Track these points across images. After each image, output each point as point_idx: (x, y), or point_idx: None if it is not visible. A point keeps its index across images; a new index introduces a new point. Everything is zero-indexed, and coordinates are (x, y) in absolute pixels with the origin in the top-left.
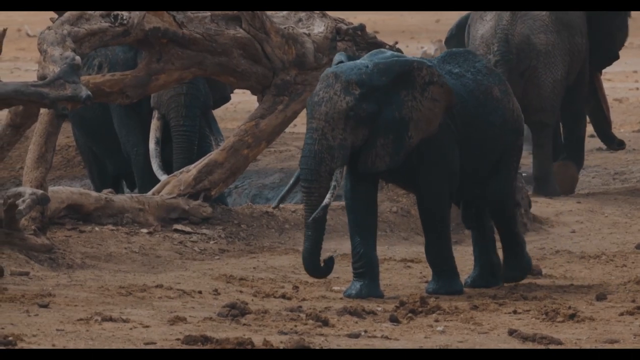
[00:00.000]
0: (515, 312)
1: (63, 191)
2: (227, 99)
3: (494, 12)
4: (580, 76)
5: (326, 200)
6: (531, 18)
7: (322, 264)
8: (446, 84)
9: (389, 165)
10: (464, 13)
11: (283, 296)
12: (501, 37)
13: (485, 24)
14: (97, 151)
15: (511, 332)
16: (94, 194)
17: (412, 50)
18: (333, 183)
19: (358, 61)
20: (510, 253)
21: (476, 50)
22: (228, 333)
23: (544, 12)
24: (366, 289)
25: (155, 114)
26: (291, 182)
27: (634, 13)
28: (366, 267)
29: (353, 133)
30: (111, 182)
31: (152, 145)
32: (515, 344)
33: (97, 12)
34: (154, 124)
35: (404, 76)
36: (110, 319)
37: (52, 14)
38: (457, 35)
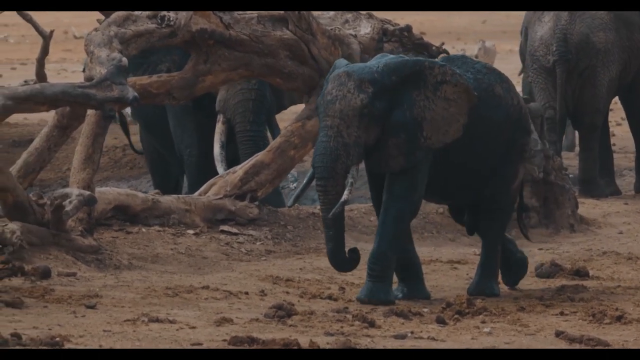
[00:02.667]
0: (562, 313)
1: (110, 192)
2: (283, 107)
3: (552, 13)
4: (639, 73)
5: (344, 197)
6: (590, 17)
7: (347, 257)
8: (461, 82)
9: (403, 166)
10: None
11: (329, 297)
12: (560, 37)
13: (543, 25)
14: (161, 149)
15: (558, 334)
16: (141, 195)
17: (456, 51)
18: (350, 180)
19: (369, 62)
20: (485, 266)
21: (535, 51)
22: (274, 334)
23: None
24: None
25: (221, 118)
26: (305, 181)
27: None
28: (408, 271)
29: (366, 131)
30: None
31: (217, 149)
32: (562, 346)
33: (144, 14)
34: (219, 128)
35: (415, 76)
36: (157, 320)
37: (99, 15)
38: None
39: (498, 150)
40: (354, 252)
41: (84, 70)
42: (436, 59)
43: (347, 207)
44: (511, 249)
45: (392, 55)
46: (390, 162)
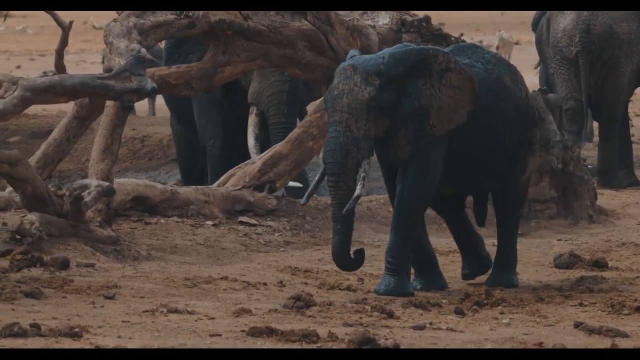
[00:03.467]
0: (581, 304)
1: (129, 183)
2: (314, 98)
3: None
4: None
5: (357, 192)
6: None
7: (352, 257)
8: (465, 70)
9: (410, 154)
10: None
11: (348, 288)
12: (583, 28)
13: (566, 17)
14: (191, 137)
15: (577, 325)
16: (160, 186)
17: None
18: (362, 174)
19: (374, 55)
20: (502, 259)
21: (558, 43)
22: (293, 325)
23: None
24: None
25: (254, 110)
26: (317, 178)
27: None
28: (422, 263)
29: (375, 124)
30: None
31: (251, 141)
32: (581, 337)
33: None
34: (253, 120)
35: (420, 65)
36: (176, 311)
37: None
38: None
39: (507, 142)
40: (360, 252)
41: (103, 62)
42: (449, 49)
43: (366, 199)
44: (479, 246)
45: (396, 46)
46: (400, 152)
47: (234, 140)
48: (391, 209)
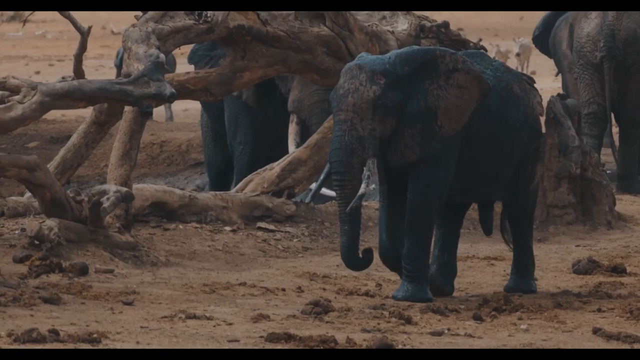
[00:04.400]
0: (599, 310)
1: (147, 189)
2: None
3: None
4: None
5: (362, 190)
6: (637, 12)
7: (360, 256)
8: (473, 69)
9: (419, 156)
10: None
11: (366, 294)
12: (607, 32)
13: (590, 22)
14: (221, 130)
15: (595, 331)
16: (178, 191)
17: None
18: (367, 172)
19: (380, 55)
20: (519, 264)
21: (582, 47)
22: (311, 331)
23: None
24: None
25: (294, 118)
26: (322, 177)
27: None
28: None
29: (381, 123)
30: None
31: (292, 149)
32: (599, 343)
33: (182, 10)
34: (293, 128)
35: (427, 65)
36: (194, 317)
37: (136, 12)
38: (544, 33)
39: (514, 150)
40: (368, 252)
41: (115, 65)
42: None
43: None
44: (452, 254)
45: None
46: (407, 152)
47: (264, 148)
48: None
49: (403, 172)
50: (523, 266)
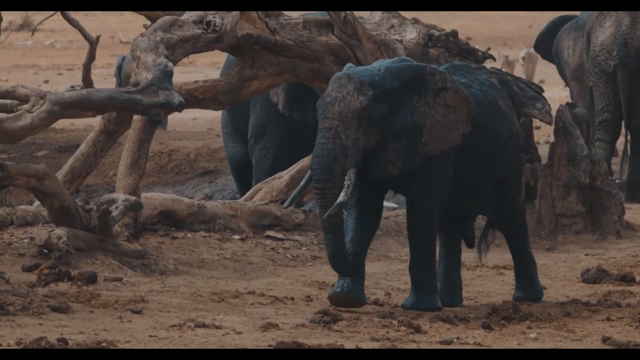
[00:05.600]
0: (608, 319)
1: (156, 197)
2: None
3: (613, 18)
4: None
5: (341, 198)
6: None
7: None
8: (461, 90)
9: (401, 170)
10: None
11: (375, 302)
12: (620, 42)
13: (604, 31)
14: (242, 129)
15: (604, 340)
16: (187, 200)
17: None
18: (347, 182)
19: (370, 65)
20: (522, 273)
21: (596, 56)
22: (320, 340)
23: None
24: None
25: None
26: (302, 183)
27: None
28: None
29: (365, 134)
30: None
31: None
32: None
33: (190, 19)
34: None
35: (416, 81)
36: (203, 325)
37: (145, 21)
38: (546, 40)
39: (498, 165)
40: (356, 255)
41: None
42: (444, 67)
43: (392, 212)
44: (455, 268)
45: (392, 59)
46: (388, 166)
47: (294, 154)
48: None
49: (379, 187)
50: (527, 274)
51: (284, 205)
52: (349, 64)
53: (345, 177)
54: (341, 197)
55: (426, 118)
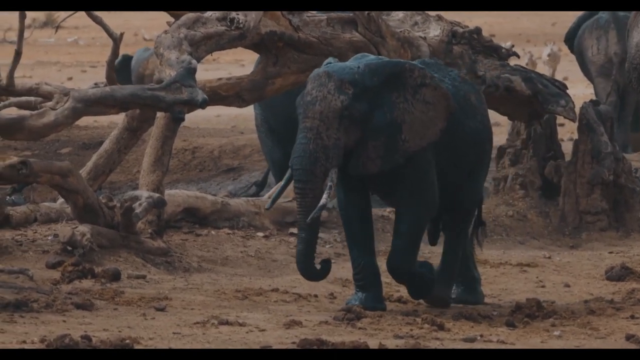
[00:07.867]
0: (632, 317)
1: (179, 195)
2: None
3: None
4: None
5: (323, 200)
6: None
7: (318, 267)
8: (440, 86)
9: (381, 168)
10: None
11: (399, 300)
12: None
13: None
14: (276, 127)
15: (628, 337)
16: (210, 197)
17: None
18: (329, 183)
19: (348, 62)
20: (445, 271)
21: (633, 58)
22: (344, 337)
23: None
24: (369, 300)
25: None
26: (282, 183)
27: None
28: (367, 279)
29: (346, 133)
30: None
31: None
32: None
33: (214, 16)
34: None
35: (395, 77)
36: (227, 323)
37: (168, 18)
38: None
39: (467, 159)
40: (326, 262)
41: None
42: (416, 62)
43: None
44: (470, 266)
45: (371, 56)
46: (368, 164)
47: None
48: None
49: (362, 186)
50: (448, 266)
51: (266, 207)
52: (328, 59)
53: (327, 178)
54: (324, 199)
55: (405, 115)
